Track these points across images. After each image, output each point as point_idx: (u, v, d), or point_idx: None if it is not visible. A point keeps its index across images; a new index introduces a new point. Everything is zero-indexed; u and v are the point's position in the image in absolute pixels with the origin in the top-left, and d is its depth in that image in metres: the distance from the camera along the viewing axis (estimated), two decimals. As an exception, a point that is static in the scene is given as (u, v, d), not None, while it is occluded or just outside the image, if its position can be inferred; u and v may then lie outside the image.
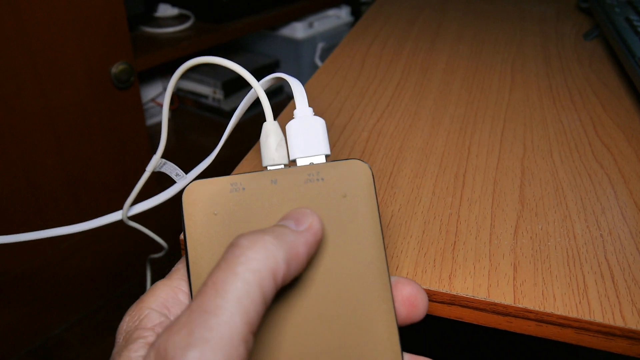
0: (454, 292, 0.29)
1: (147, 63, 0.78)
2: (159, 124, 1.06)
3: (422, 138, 0.45)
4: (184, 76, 1.10)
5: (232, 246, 0.20)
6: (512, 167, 0.40)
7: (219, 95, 1.06)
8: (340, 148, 0.43)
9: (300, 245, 0.21)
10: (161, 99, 1.05)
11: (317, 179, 0.24)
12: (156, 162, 0.31)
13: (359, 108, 0.49)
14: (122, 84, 0.72)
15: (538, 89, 0.54)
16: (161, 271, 0.31)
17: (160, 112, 1.07)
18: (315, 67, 1.14)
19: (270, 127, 0.25)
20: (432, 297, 0.29)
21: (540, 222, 0.34)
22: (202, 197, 0.24)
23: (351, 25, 1.24)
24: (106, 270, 0.86)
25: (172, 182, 0.32)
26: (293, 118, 0.26)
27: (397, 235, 0.33)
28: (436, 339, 0.74)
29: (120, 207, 0.33)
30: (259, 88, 0.25)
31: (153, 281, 0.28)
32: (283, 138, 0.26)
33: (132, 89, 0.75)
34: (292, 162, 0.25)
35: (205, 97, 1.08)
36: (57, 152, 0.68)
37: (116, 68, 0.71)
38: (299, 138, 0.25)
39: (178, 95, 1.12)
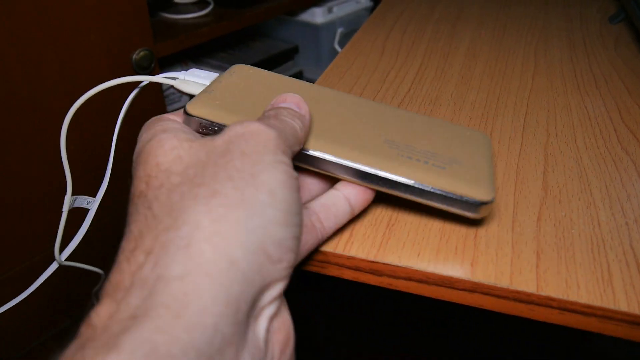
0: (476, 280, 0.29)
1: (167, 49, 0.78)
2: (178, 110, 1.06)
3: (443, 124, 0.44)
4: (203, 63, 1.10)
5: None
6: (535, 154, 0.40)
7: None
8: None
9: (306, 117, 0.30)
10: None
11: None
12: (69, 200, 0.38)
13: (380, 94, 0.49)
14: (143, 70, 0.72)
15: (562, 74, 0.53)
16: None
17: (180, 99, 1.07)
18: (335, 53, 1.14)
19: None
20: (454, 284, 0.29)
21: (563, 209, 0.34)
22: (200, 101, 0.32)
23: (370, 10, 1.23)
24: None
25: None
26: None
27: (419, 222, 0.33)
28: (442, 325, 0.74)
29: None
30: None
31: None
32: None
33: (152, 75, 0.75)
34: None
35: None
36: (79, 138, 0.69)
37: (137, 55, 0.71)
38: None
39: (197, 82, 1.12)
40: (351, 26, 1.17)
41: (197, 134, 0.28)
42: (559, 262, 0.30)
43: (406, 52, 0.58)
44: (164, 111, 0.80)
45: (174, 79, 0.36)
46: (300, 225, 0.25)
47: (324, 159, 0.30)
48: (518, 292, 0.28)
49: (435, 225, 0.33)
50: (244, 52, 1.12)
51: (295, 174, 0.25)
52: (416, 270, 0.30)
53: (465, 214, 0.30)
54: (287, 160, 0.25)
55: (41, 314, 0.82)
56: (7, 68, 0.60)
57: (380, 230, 0.32)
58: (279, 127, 0.26)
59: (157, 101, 0.78)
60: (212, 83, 0.35)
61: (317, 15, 1.10)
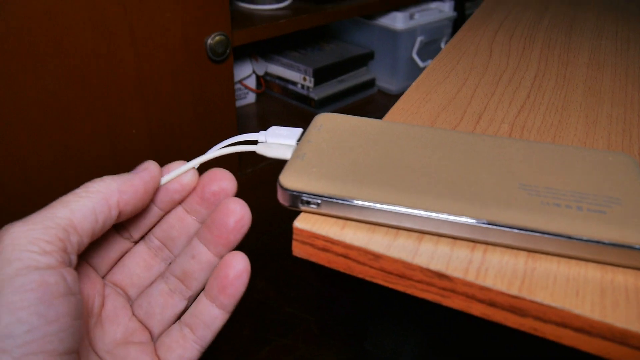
0: (663, 338, 0.21)
1: (243, 38, 0.73)
2: (244, 107, 1.02)
3: (577, 137, 0.37)
4: (273, 60, 1.05)
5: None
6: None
7: (309, 82, 1.01)
8: (478, 139, 0.36)
9: (134, 179, 0.27)
10: (249, 81, 1.01)
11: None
12: None
13: (494, 97, 0.42)
14: (217, 56, 0.68)
15: None
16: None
17: (247, 95, 1.03)
18: (412, 62, 1.07)
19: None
20: (629, 340, 0.22)
21: None
22: (295, 171, 0.28)
23: (454, 21, 1.15)
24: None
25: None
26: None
27: (570, 251, 0.26)
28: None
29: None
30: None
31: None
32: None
33: (226, 63, 0.70)
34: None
35: (294, 83, 1.03)
36: (144, 119, 0.64)
37: (212, 39, 0.66)
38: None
39: (265, 80, 1.07)
40: (432, 36, 1.10)
41: None
42: None
43: (517, 56, 0.51)
44: (232, 101, 0.75)
45: (255, 142, 0.32)
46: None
47: (453, 222, 0.25)
48: None
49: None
50: (317, 53, 1.06)
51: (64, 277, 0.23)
52: (577, 316, 0.22)
53: None
54: (48, 261, 0.23)
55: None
56: (81, 43, 0.56)
57: (521, 256, 0.25)
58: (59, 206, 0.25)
59: (227, 89, 0.73)
60: (301, 144, 0.30)
61: (397, 21, 1.04)
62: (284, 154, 0.31)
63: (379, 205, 0.25)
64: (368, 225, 0.26)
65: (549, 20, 0.63)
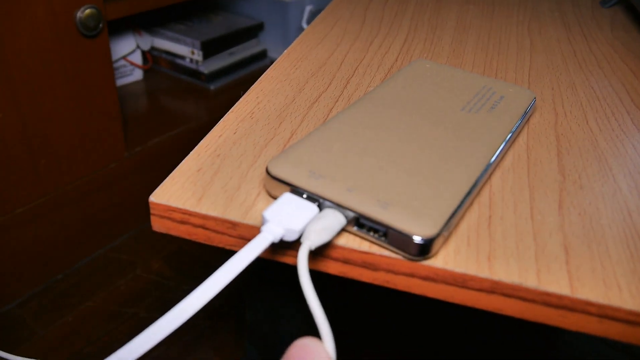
0: (496, 278, 0.23)
1: (118, 11, 0.70)
2: (131, 85, 0.97)
3: (438, 97, 0.38)
4: (158, 34, 1.01)
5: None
6: (545, 134, 0.34)
7: (198, 56, 0.98)
8: (344, 101, 0.36)
9: None
10: (133, 56, 0.97)
11: None
12: None
13: (364, 62, 0.43)
14: (89, 31, 0.64)
15: (561, 53, 0.48)
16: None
17: (133, 72, 0.98)
18: (302, 31, 1.07)
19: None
20: (468, 283, 0.23)
21: (587, 197, 0.29)
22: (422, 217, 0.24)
23: (341, -11, 1.16)
24: (65, 240, 0.79)
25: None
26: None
27: (420, 205, 0.27)
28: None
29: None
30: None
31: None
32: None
33: (100, 38, 0.66)
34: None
35: (182, 57, 1.00)
36: (12, 101, 0.60)
37: (82, 12, 0.62)
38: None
39: (152, 55, 1.03)
40: (320, 5, 1.10)
41: None
42: (592, 258, 0.25)
43: (389, 22, 0.53)
44: (111, 80, 0.72)
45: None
46: None
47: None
48: (548, 294, 0.23)
49: (441, 210, 0.27)
50: (204, 25, 1.03)
51: None
52: (422, 265, 0.24)
53: None
54: None
55: None
56: None
57: (374, 214, 0.26)
58: None
59: (104, 67, 0.70)
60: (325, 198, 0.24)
61: (285, -9, 1.03)
62: (335, 222, 0.24)
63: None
64: (226, 195, 0.26)
65: (422, -14, 0.65)
